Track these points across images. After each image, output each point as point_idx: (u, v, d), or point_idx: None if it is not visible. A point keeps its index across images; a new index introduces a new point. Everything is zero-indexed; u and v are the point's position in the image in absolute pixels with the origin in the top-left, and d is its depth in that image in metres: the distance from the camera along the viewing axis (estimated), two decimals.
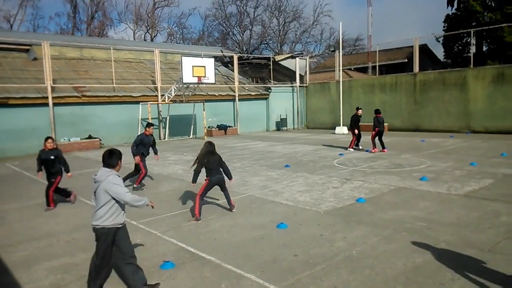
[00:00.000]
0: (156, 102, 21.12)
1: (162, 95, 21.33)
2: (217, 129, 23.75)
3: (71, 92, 18.95)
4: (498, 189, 8.01)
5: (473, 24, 30.20)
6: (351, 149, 14.56)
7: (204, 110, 21.89)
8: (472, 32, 24.81)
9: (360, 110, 14.64)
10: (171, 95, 20.67)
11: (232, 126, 24.69)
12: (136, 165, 9.33)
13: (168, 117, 21.92)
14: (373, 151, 13.88)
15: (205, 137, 21.71)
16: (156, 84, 21.86)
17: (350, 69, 35.13)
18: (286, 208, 7.22)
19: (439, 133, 19.71)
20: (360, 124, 14.67)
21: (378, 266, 4.62)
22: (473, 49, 29.21)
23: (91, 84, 20.18)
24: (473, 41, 29.65)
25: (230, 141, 19.80)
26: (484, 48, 33.05)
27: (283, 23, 51.27)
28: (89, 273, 4.04)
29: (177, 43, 50.07)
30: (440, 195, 7.70)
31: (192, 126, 22.79)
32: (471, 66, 20.74)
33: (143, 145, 9.33)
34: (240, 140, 20.16)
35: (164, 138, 21.82)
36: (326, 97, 26.64)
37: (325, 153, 14.15)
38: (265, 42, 52.81)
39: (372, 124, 14.09)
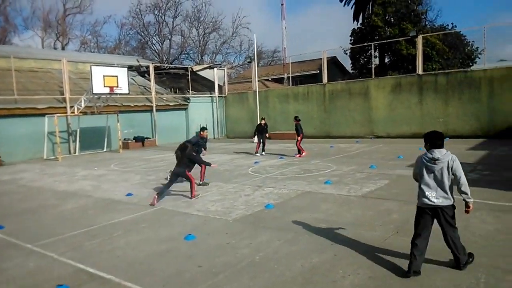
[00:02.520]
0: (65, 114, 19.80)
1: (72, 107, 20.07)
2: (134, 141, 22.92)
3: None
4: (392, 189, 8.81)
5: (375, 38, 33.02)
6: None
7: (118, 121, 20.97)
8: (373, 45, 27.15)
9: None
10: (81, 106, 19.55)
11: (150, 138, 24.01)
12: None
13: (78, 130, 20.65)
14: (303, 155, 14.70)
15: (121, 150, 20.81)
16: (64, 95, 20.51)
17: (267, 79, 36.24)
18: (197, 219, 7.21)
19: (346, 139, 21.12)
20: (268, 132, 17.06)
21: (278, 269, 4.81)
22: (376, 61, 31.98)
23: None
24: (375, 53, 32.45)
25: (147, 153, 19.22)
26: (386, 60, 36.25)
27: (202, 33, 51.36)
28: (458, 246, 4.46)
29: (91, 51, 47.54)
30: (341, 197, 8.26)
31: (106, 139, 21.73)
32: (373, 76, 22.66)
33: (198, 146, 10.43)
34: (158, 152, 19.67)
35: (75, 152, 20.50)
36: (245, 106, 27.16)
37: (241, 162, 14.40)
38: (186, 52, 52.39)
39: (296, 130, 15.06)
